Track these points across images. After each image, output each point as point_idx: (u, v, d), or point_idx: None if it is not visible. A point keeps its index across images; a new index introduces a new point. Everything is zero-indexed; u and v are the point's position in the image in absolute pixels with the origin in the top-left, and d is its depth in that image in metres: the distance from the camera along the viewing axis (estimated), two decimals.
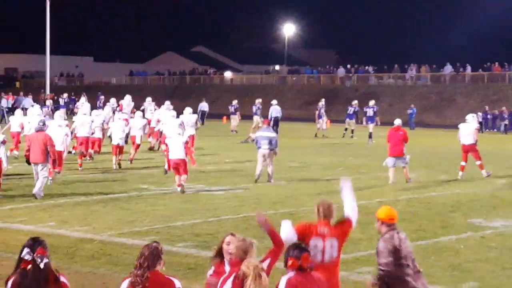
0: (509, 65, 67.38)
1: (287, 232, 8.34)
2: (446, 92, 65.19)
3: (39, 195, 19.31)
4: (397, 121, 24.27)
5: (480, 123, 41.72)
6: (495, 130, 52.20)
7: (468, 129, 24.99)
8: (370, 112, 40.94)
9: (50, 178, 21.24)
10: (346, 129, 42.62)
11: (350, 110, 42.88)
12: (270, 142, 22.77)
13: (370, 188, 21.97)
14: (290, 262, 7.10)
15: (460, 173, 24.57)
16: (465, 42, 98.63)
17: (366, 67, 76.76)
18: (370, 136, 39.20)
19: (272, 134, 23.30)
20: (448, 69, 69.52)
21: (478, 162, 24.75)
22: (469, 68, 68.91)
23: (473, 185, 23.21)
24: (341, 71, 77.00)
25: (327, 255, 8.40)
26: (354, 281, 11.75)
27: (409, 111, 53.61)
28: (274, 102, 43.29)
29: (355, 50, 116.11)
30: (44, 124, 20.80)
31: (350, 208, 8.86)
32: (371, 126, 40.01)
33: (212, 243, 14.44)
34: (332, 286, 8.15)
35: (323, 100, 45.62)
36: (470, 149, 24.76)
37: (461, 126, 25.50)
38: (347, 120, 42.84)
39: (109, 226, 15.94)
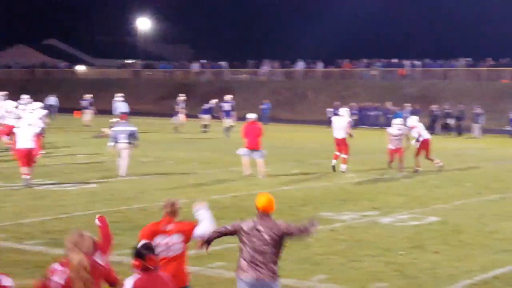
0: (359, 62, 69.51)
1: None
2: (299, 87, 66.51)
3: None
4: (251, 115, 24.49)
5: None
6: None
7: (341, 122, 25.54)
8: (227, 106, 41.24)
9: None
10: (205, 125, 42.75)
11: (206, 106, 43.11)
12: (129, 136, 22.86)
13: (224, 182, 22.14)
14: (135, 263, 7.06)
15: (334, 161, 25.24)
16: (318, 40, 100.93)
17: (221, 63, 77.23)
18: (227, 130, 39.47)
19: (132, 128, 23.25)
20: (300, 65, 70.95)
21: (344, 156, 25.31)
22: (320, 64, 70.56)
23: (326, 179, 23.75)
24: (195, 65, 77.23)
25: (172, 251, 8.47)
26: (207, 276, 11.78)
27: (263, 106, 54.33)
28: (120, 97, 42.20)
29: (210, 46, 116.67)
30: None
31: (202, 228, 8.64)
32: (228, 120, 40.31)
33: (63, 240, 14.16)
34: (180, 280, 8.33)
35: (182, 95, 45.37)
36: (340, 143, 25.33)
37: (333, 119, 26.08)
38: (202, 115, 43.02)
39: None
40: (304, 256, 13.27)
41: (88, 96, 47.10)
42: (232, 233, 8.69)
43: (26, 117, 23.15)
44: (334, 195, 20.55)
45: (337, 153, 25.46)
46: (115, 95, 43.08)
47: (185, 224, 8.67)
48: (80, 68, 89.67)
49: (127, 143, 22.93)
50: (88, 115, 45.42)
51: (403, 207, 18.79)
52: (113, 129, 24.04)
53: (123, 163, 22.98)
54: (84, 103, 46.90)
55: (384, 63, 67.99)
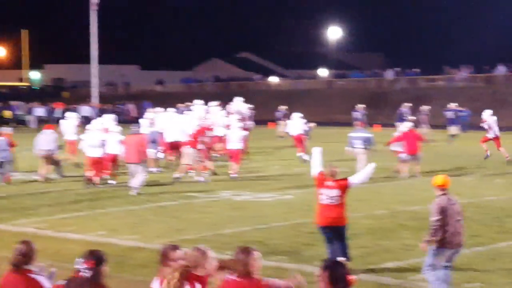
0: None
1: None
2: (499, 93, 64.07)
3: (136, 190, 21.21)
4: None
5: None
6: None
7: None
8: (450, 115, 41.19)
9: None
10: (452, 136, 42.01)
11: (448, 114, 42.60)
12: (364, 142, 24.66)
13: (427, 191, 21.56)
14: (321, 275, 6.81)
15: None
16: None
17: (414, 70, 75.89)
18: (451, 138, 40.00)
19: (368, 134, 25.17)
20: (501, 70, 68.25)
21: None
22: None
23: None
24: (390, 73, 76.15)
25: (335, 200, 12.67)
26: None
27: (462, 114, 52.67)
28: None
29: (402, 52, 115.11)
30: (139, 127, 23.07)
31: (356, 177, 13.22)
32: (453, 128, 40.34)
33: (262, 250, 14.29)
34: (342, 220, 12.80)
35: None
36: None
37: None
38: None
39: (158, 234, 15.88)
40: None
41: (282, 108, 47.64)
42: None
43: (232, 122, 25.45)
44: None
45: None
46: (356, 106, 43.71)
47: (341, 180, 12.73)
48: (273, 79, 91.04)
49: (362, 148, 24.56)
50: (282, 126, 45.88)
51: None
52: (349, 134, 25.47)
53: (359, 166, 23.44)
54: (278, 114, 47.46)
55: None
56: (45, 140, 25.00)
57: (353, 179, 12.90)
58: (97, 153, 23.35)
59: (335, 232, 12.71)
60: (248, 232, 15.93)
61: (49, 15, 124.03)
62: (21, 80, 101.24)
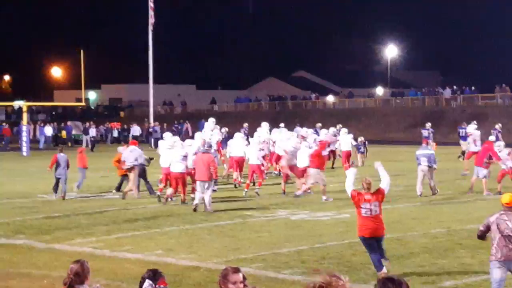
0: None
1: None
2: None
3: (208, 209, 21.88)
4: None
5: None
6: None
7: None
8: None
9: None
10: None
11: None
12: (429, 160, 24.95)
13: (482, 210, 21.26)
14: None
15: None
16: None
17: (471, 88, 75.08)
18: None
19: (430, 152, 25.59)
20: None
21: None
22: None
23: None
24: (447, 91, 75.47)
25: (374, 211, 13.61)
26: None
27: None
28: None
29: (458, 71, 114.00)
30: (210, 146, 23.89)
31: (384, 183, 14.05)
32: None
33: (319, 269, 14.24)
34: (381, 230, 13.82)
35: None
36: None
37: None
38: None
39: (214, 253, 15.91)
40: None
41: (338, 127, 47.42)
42: (488, 229, 11.47)
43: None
44: None
45: None
46: (426, 124, 43.30)
47: (377, 192, 13.71)
48: (329, 98, 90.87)
49: (427, 166, 24.88)
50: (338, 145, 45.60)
51: None
52: (417, 152, 25.79)
53: (431, 183, 24.90)
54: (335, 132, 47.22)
55: None
56: (132, 155, 25.66)
57: (384, 185, 14.01)
58: (179, 168, 23.65)
59: (378, 242, 13.69)
60: (305, 251, 15.85)
61: (106, 34, 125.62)
62: (78, 100, 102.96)
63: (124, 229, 19.22)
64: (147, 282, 6.69)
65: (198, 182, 22.39)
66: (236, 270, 6.93)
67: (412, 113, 72.36)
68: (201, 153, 22.96)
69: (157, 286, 6.66)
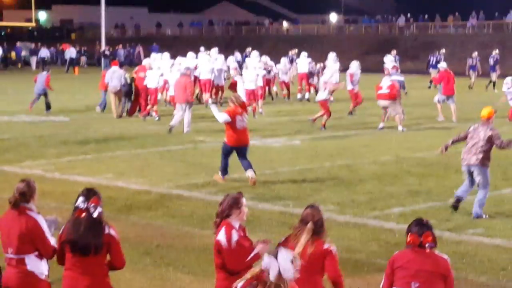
0: None
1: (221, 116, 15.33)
2: (510, 41, 63.46)
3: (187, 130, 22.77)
4: (444, 64, 26.74)
5: None
6: None
7: None
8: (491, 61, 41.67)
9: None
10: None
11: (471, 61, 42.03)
12: (401, 85, 25.32)
13: (430, 138, 21.52)
14: (409, 239, 6.64)
15: None
16: None
17: (425, 16, 75.31)
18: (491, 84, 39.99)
19: (401, 77, 26.15)
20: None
21: None
22: None
23: None
24: (401, 19, 75.60)
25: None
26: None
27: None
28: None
29: None
30: (188, 69, 23.92)
31: None
32: (493, 75, 40.59)
33: (269, 195, 14.39)
34: None
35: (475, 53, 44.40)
36: None
37: None
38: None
39: (166, 178, 15.94)
40: None
41: (293, 52, 47.27)
42: (465, 137, 12.92)
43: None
44: None
45: None
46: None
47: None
48: (284, 24, 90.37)
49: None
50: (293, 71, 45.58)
51: None
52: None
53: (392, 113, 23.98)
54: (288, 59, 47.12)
55: None
56: (115, 77, 26.57)
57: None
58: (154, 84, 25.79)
59: (245, 151, 15.56)
60: (256, 177, 15.94)
61: None
62: (28, 20, 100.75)
63: (75, 152, 19.12)
64: (80, 199, 6.97)
65: (177, 104, 22.98)
66: (241, 193, 7.47)
67: (366, 41, 72.49)
68: (180, 76, 23.48)
69: (88, 203, 6.89)
